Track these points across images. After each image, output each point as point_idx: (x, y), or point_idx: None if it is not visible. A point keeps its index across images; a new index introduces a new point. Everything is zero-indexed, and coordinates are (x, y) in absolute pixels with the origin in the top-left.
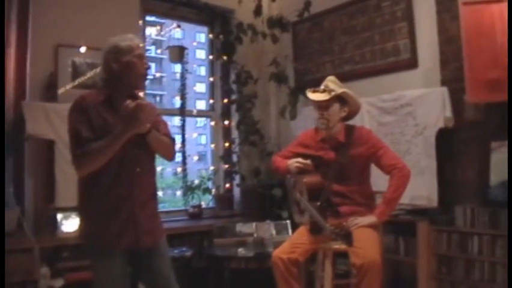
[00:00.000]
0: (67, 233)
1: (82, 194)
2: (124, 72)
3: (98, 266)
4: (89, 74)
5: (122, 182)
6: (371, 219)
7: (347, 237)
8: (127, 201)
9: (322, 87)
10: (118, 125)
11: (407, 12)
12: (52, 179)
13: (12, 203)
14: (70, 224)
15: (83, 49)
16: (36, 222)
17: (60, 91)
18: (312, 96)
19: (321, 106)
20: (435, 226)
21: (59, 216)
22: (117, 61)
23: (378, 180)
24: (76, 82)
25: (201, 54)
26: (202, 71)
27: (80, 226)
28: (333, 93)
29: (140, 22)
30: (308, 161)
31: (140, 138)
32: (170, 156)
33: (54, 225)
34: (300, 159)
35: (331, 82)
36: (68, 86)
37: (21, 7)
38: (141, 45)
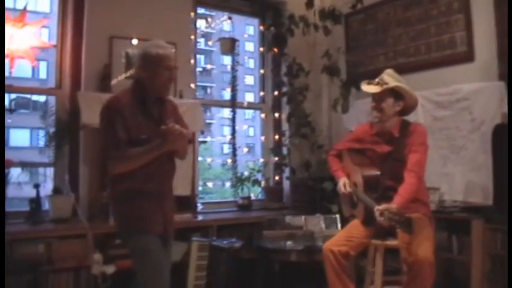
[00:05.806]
0: None
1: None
2: (150, 80)
3: (135, 243)
4: None
5: (155, 178)
6: None
7: (407, 224)
8: (157, 193)
9: (377, 79)
10: (150, 126)
11: (463, 4)
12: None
13: (67, 190)
14: None
15: (135, 41)
16: (89, 209)
17: (114, 82)
18: (365, 88)
19: (375, 99)
20: (491, 225)
21: None
22: (146, 69)
23: (431, 176)
24: (128, 73)
25: (250, 46)
26: (251, 63)
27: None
28: (385, 87)
29: (192, 14)
30: (350, 190)
31: None
32: (183, 158)
33: (107, 213)
34: (345, 185)
35: (387, 75)
36: (122, 77)
37: (77, 0)
38: (171, 53)
